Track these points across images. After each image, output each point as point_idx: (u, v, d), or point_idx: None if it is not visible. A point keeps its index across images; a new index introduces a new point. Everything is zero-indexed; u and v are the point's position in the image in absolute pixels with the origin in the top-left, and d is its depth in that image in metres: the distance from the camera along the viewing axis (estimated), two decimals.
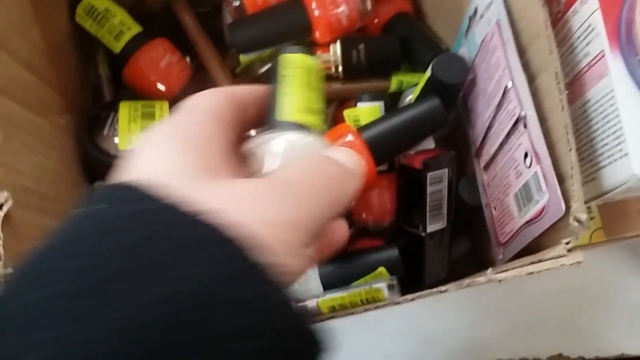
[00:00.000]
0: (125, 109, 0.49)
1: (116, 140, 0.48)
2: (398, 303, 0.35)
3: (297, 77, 0.35)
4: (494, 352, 0.58)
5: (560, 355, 0.57)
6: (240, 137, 0.30)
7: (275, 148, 0.29)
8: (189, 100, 0.29)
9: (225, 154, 0.26)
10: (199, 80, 0.55)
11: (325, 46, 0.52)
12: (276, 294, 0.21)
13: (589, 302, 0.59)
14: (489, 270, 0.37)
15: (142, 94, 0.52)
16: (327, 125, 0.54)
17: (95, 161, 0.47)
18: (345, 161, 0.28)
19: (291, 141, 0.29)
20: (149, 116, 0.49)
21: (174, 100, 0.52)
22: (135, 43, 0.51)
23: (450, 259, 0.53)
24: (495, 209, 0.47)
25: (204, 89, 0.54)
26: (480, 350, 0.58)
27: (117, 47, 0.52)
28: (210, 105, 0.28)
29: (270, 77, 0.35)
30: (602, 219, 0.44)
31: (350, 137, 0.47)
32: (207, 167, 0.24)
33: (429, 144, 0.50)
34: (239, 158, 0.28)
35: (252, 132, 0.32)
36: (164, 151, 0.24)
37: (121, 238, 0.19)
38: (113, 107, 0.49)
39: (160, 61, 0.51)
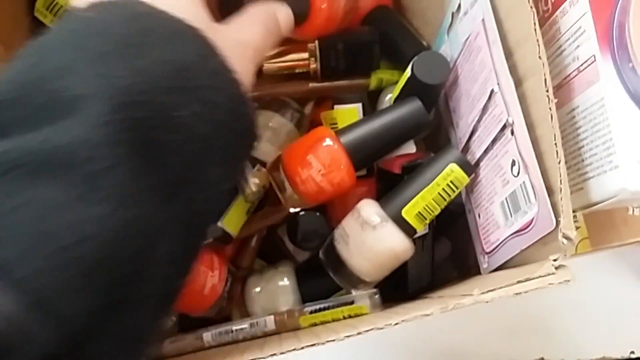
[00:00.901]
0: None
1: None
2: (381, 328, 0.33)
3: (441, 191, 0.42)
4: (476, 356, 0.57)
5: (542, 359, 0.57)
6: None
7: None
8: None
9: None
10: None
11: (302, 45, 0.50)
12: (233, 75, 0.30)
13: (571, 306, 0.58)
14: (475, 290, 0.35)
15: None
16: (304, 128, 0.52)
17: None
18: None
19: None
20: None
21: None
22: None
23: (433, 264, 0.52)
24: (479, 216, 0.45)
25: None
26: (462, 355, 0.57)
27: None
28: None
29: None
30: (588, 228, 0.42)
31: (328, 142, 0.44)
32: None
33: (410, 147, 0.48)
34: None
35: None
36: None
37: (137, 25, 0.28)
38: None
39: None
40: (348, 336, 0.33)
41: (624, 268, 0.58)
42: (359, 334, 0.33)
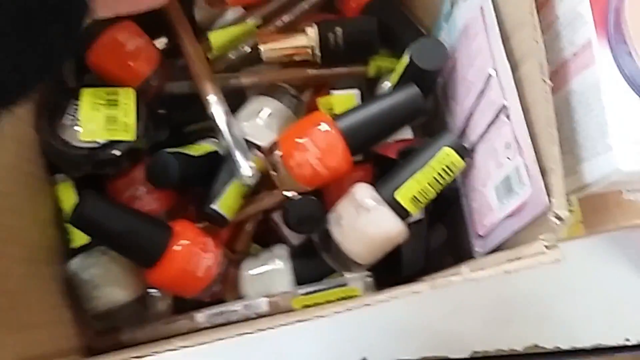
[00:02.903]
0: (87, 97, 0.46)
1: (77, 129, 0.45)
2: (369, 305, 0.33)
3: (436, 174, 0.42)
4: (471, 343, 0.57)
5: (536, 345, 0.57)
6: None
7: None
8: None
9: None
10: (169, 65, 0.52)
11: (302, 30, 0.50)
12: None
13: (565, 293, 0.58)
14: (465, 268, 0.35)
15: (107, 79, 0.49)
16: (302, 114, 0.52)
17: (55, 152, 0.45)
18: None
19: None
20: (113, 104, 0.46)
21: (141, 86, 0.49)
22: (100, 25, 0.48)
23: (428, 250, 0.52)
24: (474, 200, 0.46)
25: (174, 74, 0.53)
26: (457, 341, 0.57)
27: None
28: None
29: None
30: (582, 212, 0.43)
31: (325, 126, 0.45)
32: None
33: (407, 133, 0.48)
34: None
35: None
36: None
37: None
38: (74, 94, 0.46)
39: (125, 45, 0.48)
40: (337, 312, 0.33)
41: (618, 253, 0.58)
42: (347, 310, 0.33)
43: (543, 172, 0.35)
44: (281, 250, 0.51)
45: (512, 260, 0.36)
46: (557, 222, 0.34)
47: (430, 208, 0.50)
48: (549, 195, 0.35)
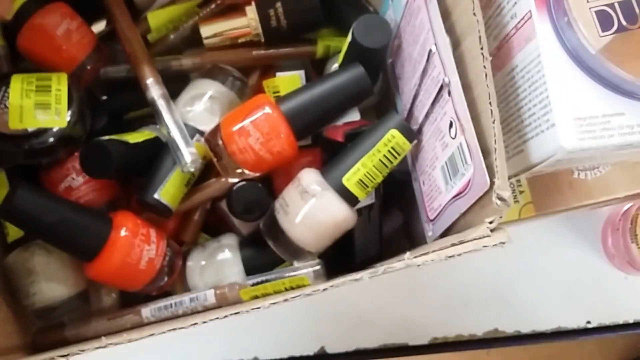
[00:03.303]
0: (17, 83, 0.44)
1: (6, 117, 0.43)
2: (309, 294, 0.32)
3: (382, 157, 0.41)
4: (430, 329, 0.56)
5: (496, 330, 0.56)
6: None
7: None
8: None
9: None
10: (106, 49, 0.50)
11: (241, 10, 0.48)
12: None
13: (524, 276, 0.57)
14: (407, 254, 0.34)
15: (40, 64, 0.47)
16: (247, 97, 0.50)
17: None
18: None
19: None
20: (45, 90, 0.44)
21: (76, 71, 0.47)
22: (29, 8, 0.46)
23: (382, 235, 0.51)
24: (424, 183, 0.44)
25: (113, 59, 0.51)
26: (416, 327, 0.56)
27: (10, 12, 0.46)
28: None
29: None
30: (532, 192, 0.41)
31: (267, 109, 0.43)
32: None
33: (354, 115, 0.46)
34: None
35: None
36: None
37: None
38: (4, 81, 0.44)
39: (57, 28, 0.46)
40: (274, 303, 0.31)
41: (575, 234, 0.57)
42: (285, 300, 0.32)
43: (486, 152, 0.34)
44: (230, 239, 0.49)
45: (456, 244, 0.34)
46: (500, 203, 0.33)
47: (383, 192, 0.48)
48: (491, 175, 0.33)
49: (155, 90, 0.46)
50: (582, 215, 0.56)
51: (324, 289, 0.32)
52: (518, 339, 0.56)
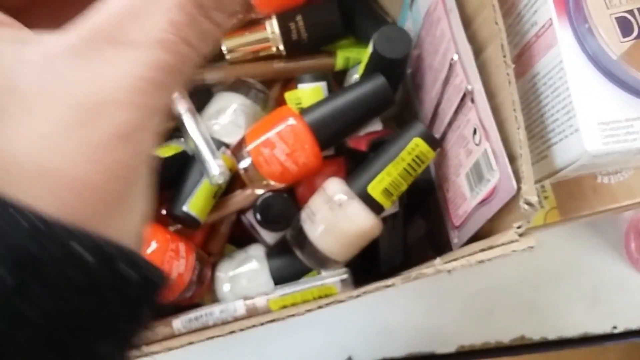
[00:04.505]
0: None
1: None
2: (342, 301, 0.32)
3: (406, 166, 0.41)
4: (456, 337, 0.56)
5: (522, 337, 0.56)
6: None
7: None
8: None
9: None
10: None
11: (262, 23, 0.49)
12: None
13: (550, 282, 0.57)
14: (437, 260, 0.34)
15: None
16: (270, 109, 0.51)
17: None
18: None
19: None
20: None
21: None
22: None
23: (406, 244, 0.51)
24: (448, 190, 0.45)
25: None
26: (442, 336, 0.56)
27: None
28: None
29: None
30: (557, 198, 0.42)
31: (292, 121, 0.44)
32: None
33: (377, 125, 0.47)
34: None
35: None
36: None
37: None
38: None
39: None
40: (309, 310, 0.32)
41: (601, 241, 0.57)
42: (319, 307, 0.32)
43: (511, 158, 0.35)
44: (257, 250, 0.50)
45: (485, 249, 0.35)
46: (527, 207, 0.33)
47: (406, 201, 0.49)
48: (518, 181, 0.34)
49: (181, 105, 0.47)
50: (604, 220, 0.56)
51: (357, 295, 0.33)
52: (545, 345, 0.56)
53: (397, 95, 0.50)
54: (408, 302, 0.57)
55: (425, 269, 0.34)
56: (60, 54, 0.15)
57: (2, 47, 0.15)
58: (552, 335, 0.56)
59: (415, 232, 0.54)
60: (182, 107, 0.47)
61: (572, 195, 0.42)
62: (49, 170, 0.14)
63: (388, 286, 0.33)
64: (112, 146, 0.15)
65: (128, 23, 0.15)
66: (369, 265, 0.50)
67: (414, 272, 0.35)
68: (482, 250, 0.34)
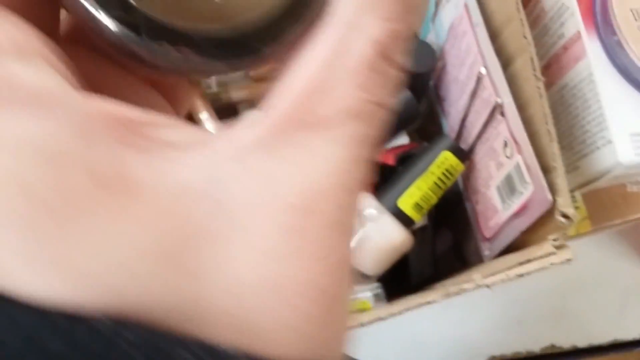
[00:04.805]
0: None
1: None
2: (383, 319, 0.32)
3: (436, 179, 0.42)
4: (486, 348, 0.56)
5: (552, 345, 0.56)
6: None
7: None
8: None
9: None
10: None
11: None
12: None
13: (579, 290, 0.57)
14: (477, 274, 0.35)
15: None
16: None
17: None
18: None
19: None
20: None
21: None
22: None
23: (435, 256, 0.51)
24: (477, 202, 0.45)
25: None
26: (472, 347, 0.56)
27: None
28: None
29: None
30: (588, 208, 0.42)
31: None
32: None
33: (403, 138, 0.47)
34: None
35: None
36: None
37: None
38: None
39: None
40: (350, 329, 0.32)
41: (627, 247, 0.57)
42: (361, 325, 0.32)
43: (544, 170, 0.35)
44: None
45: (523, 263, 0.35)
46: (564, 220, 0.33)
47: (434, 213, 0.49)
48: (553, 194, 0.34)
49: (209, 124, 0.47)
50: (631, 227, 0.56)
51: (399, 312, 0.33)
52: (575, 353, 0.56)
53: (422, 108, 0.51)
54: (437, 313, 0.57)
55: (465, 283, 0.34)
56: (252, 153, 0.13)
57: (192, 159, 0.12)
58: (582, 343, 0.56)
59: (442, 243, 0.55)
60: (210, 127, 0.48)
61: (602, 204, 0.42)
62: (282, 285, 0.12)
63: (429, 302, 0.34)
64: (332, 242, 0.13)
65: (314, 100, 0.13)
66: (399, 278, 0.50)
67: (452, 286, 0.35)
68: (521, 263, 0.34)
